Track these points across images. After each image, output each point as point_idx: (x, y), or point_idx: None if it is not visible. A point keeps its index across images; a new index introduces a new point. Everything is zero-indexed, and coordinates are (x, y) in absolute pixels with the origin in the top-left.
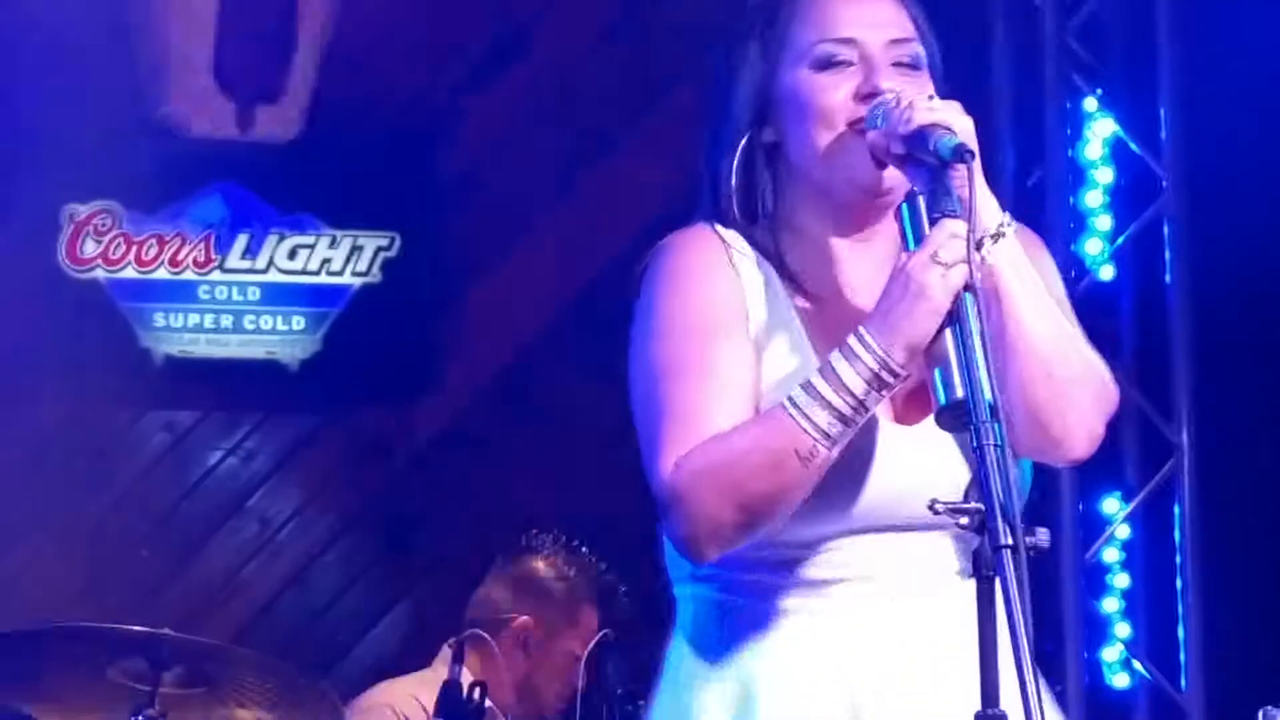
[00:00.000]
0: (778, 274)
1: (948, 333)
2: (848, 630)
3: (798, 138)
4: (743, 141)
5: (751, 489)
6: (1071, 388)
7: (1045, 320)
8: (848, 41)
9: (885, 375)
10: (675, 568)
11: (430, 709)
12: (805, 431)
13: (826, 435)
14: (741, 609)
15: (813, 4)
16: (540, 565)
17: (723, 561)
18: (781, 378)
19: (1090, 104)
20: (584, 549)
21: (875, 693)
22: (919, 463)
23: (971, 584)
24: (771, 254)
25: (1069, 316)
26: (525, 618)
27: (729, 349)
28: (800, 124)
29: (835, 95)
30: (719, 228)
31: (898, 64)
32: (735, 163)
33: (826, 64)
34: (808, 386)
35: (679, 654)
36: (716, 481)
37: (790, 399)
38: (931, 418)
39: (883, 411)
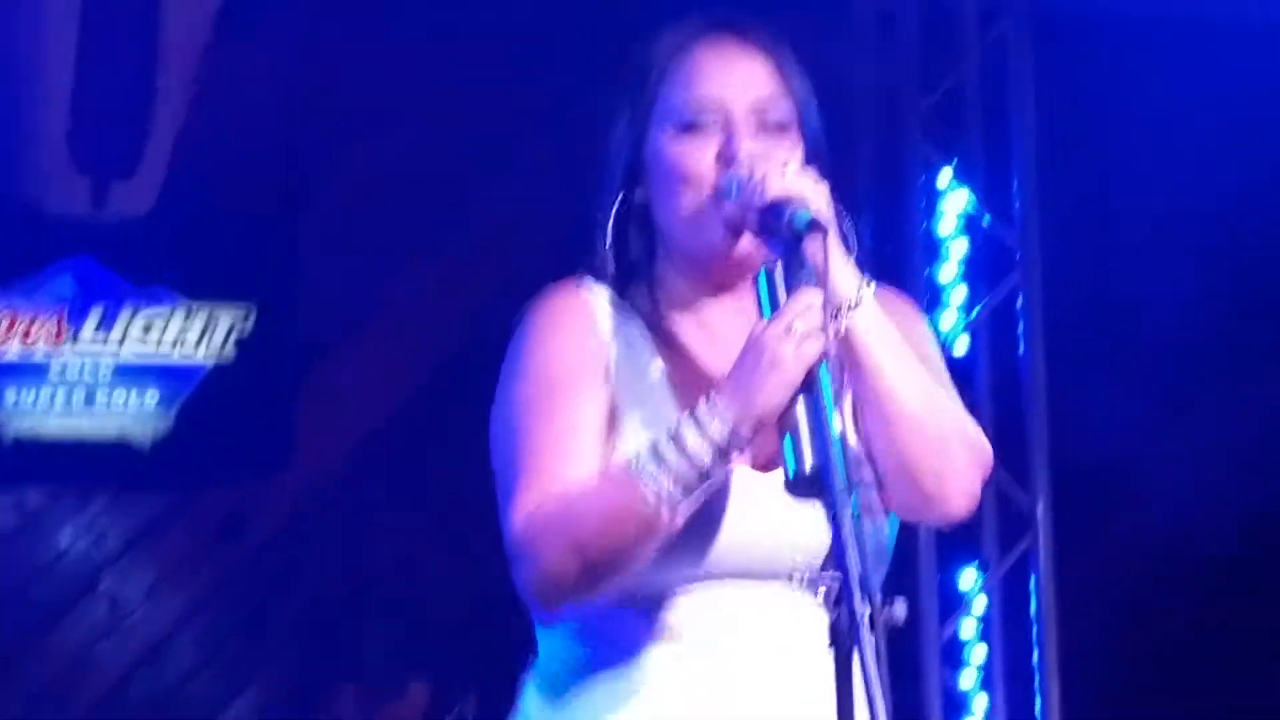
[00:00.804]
0: (646, 337)
1: (800, 402)
2: (701, 680)
3: (662, 201)
4: (616, 203)
5: (594, 547)
6: (945, 447)
7: (912, 383)
8: (711, 103)
9: (729, 445)
10: (535, 613)
11: None
12: (647, 493)
13: (668, 499)
14: (594, 655)
15: (680, 64)
16: None
17: (580, 611)
18: (643, 436)
19: (945, 177)
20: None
21: None
22: (777, 511)
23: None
24: (642, 312)
25: (942, 377)
26: None
27: (584, 403)
28: (664, 187)
29: (698, 160)
30: (589, 284)
31: (763, 126)
32: (610, 223)
33: (689, 126)
34: (654, 449)
35: (531, 700)
36: (561, 536)
37: (635, 459)
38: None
39: (743, 457)
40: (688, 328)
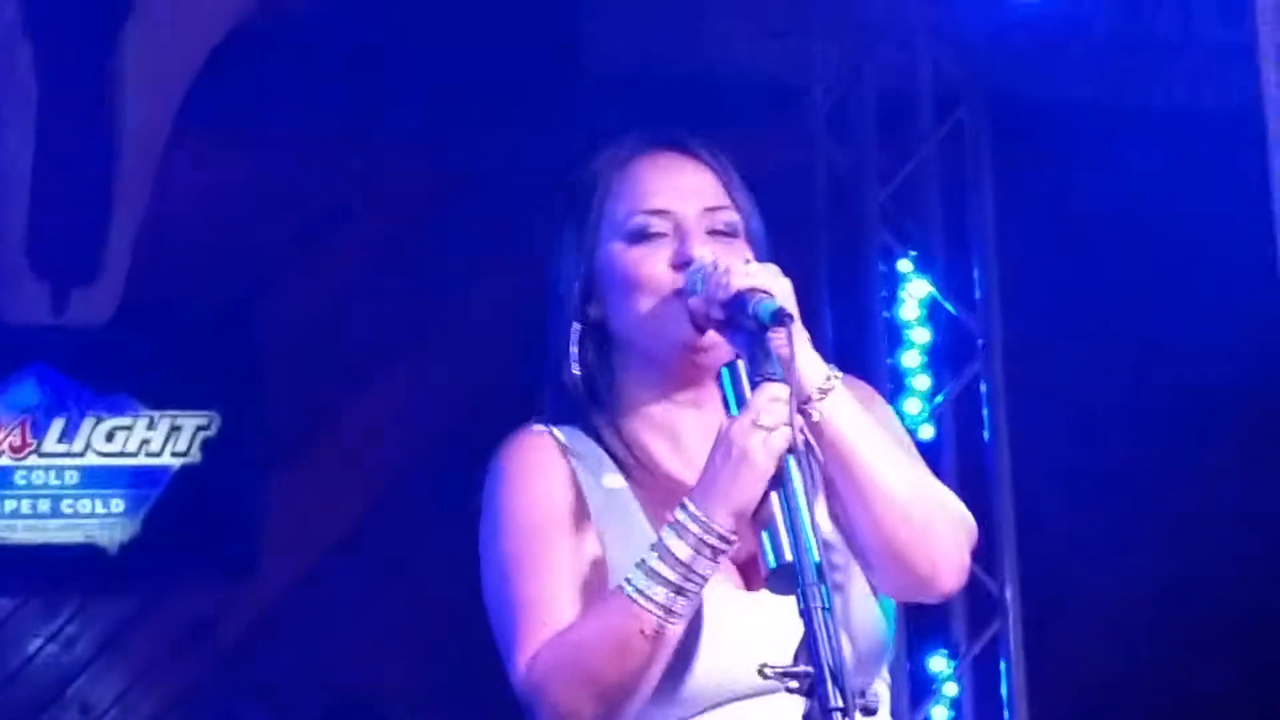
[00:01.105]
0: (614, 462)
1: (773, 496)
2: None
3: (619, 309)
4: (576, 327)
5: (605, 676)
6: (932, 527)
7: (893, 466)
8: (661, 213)
9: (713, 541)
10: None
11: None
12: (647, 610)
13: (668, 610)
14: None
15: (624, 178)
16: None
17: None
18: (627, 564)
19: (905, 265)
20: None
21: None
22: (763, 628)
23: None
24: (607, 441)
25: (914, 457)
26: None
27: (568, 543)
28: (620, 296)
29: (652, 267)
30: (551, 428)
31: (712, 231)
32: (573, 348)
33: (640, 236)
34: (642, 565)
35: None
36: (570, 674)
37: (627, 580)
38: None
39: (729, 578)
40: (654, 441)
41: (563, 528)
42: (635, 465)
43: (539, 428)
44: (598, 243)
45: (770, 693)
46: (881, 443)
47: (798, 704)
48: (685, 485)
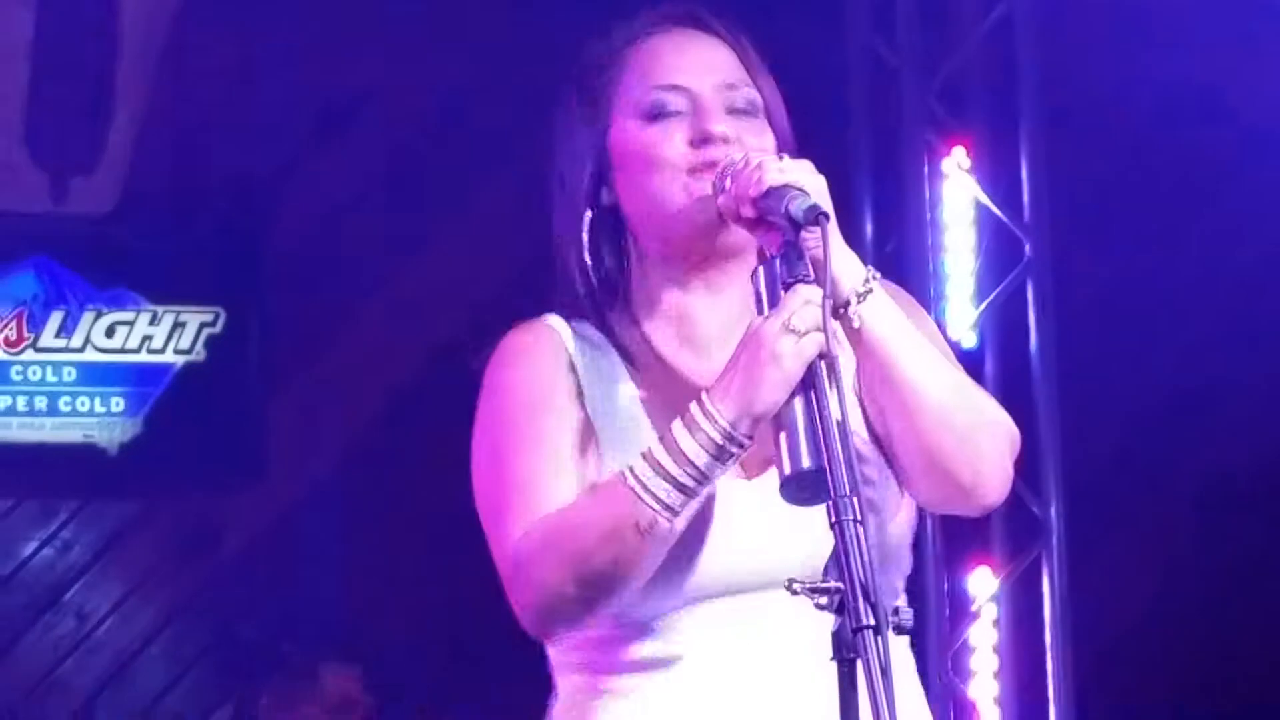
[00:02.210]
0: (623, 355)
1: (798, 401)
2: (704, 701)
3: (635, 191)
4: (588, 214)
5: (593, 562)
6: (974, 434)
7: (934, 372)
8: (677, 89)
9: (729, 446)
10: (554, 652)
11: None
12: (644, 503)
13: (667, 507)
14: (593, 683)
15: (638, 55)
16: None
17: (581, 640)
18: (619, 459)
19: (950, 166)
20: None
21: None
22: (767, 520)
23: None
24: (618, 333)
25: (956, 365)
26: None
27: (560, 424)
28: (636, 177)
29: (669, 145)
30: (553, 319)
31: (732, 109)
32: (584, 234)
33: (657, 114)
34: (648, 456)
35: None
36: (558, 554)
37: (630, 469)
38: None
39: (737, 468)
40: (667, 331)
41: (552, 406)
42: (645, 358)
43: (542, 320)
44: (610, 123)
45: (769, 588)
46: (922, 348)
47: (796, 601)
48: (695, 379)
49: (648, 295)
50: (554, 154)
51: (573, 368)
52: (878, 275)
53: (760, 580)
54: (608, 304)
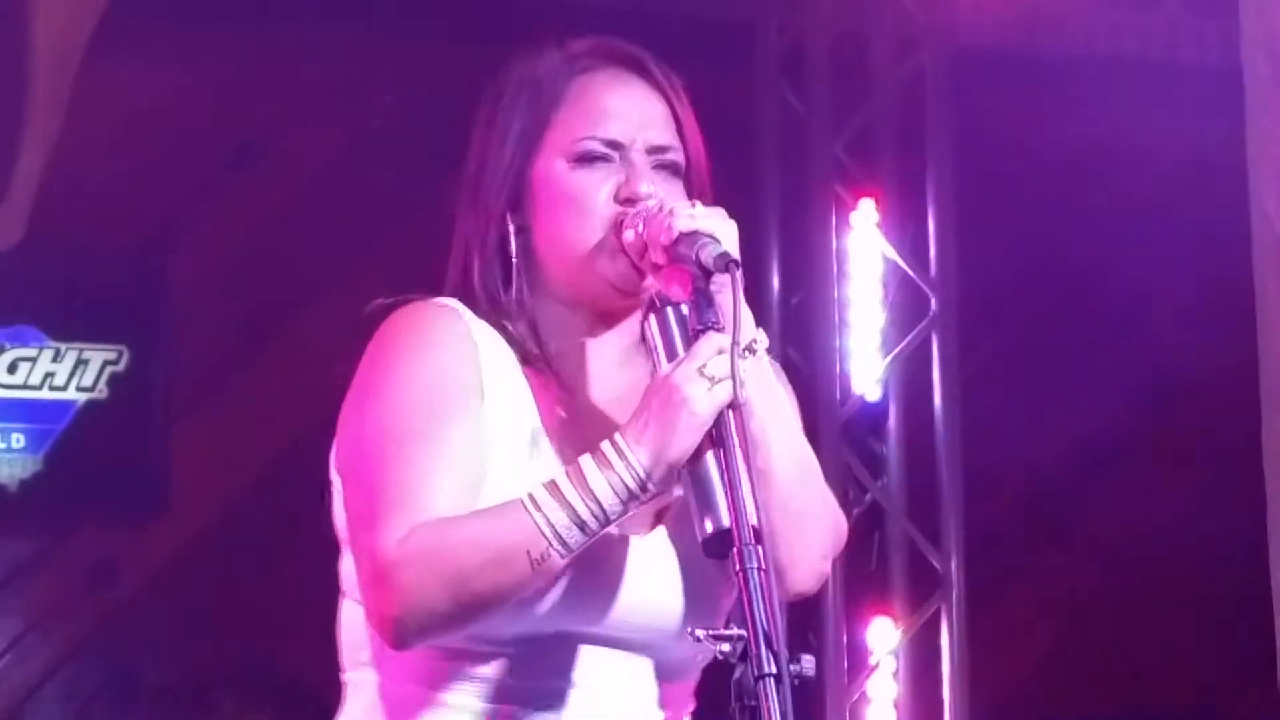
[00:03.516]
0: (519, 359)
1: (710, 454)
2: None
3: (552, 230)
4: (495, 229)
5: (473, 584)
6: (804, 521)
7: (790, 447)
8: (613, 143)
9: (635, 487)
10: (355, 651)
11: None
12: (542, 534)
13: (564, 542)
14: (433, 700)
15: (578, 92)
16: None
17: (423, 651)
18: (511, 467)
19: (858, 219)
20: None
21: None
22: (644, 575)
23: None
24: (514, 338)
25: (809, 450)
26: None
27: (461, 426)
28: (556, 216)
29: (596, 195)
30: (457, 303)
31: (660, 167)
32: (489, 244)
33: (587, 160)
34: (551, 487)
35: None
36: (438, 568)
37: (531, 497)
38: (661, 530)
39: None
40: (562, 357)
41: (456, 406)
42: (541, 371)
43: (448, 302)
44: (539, 151)
45: (630, 647)
46: (786, 421)
47: (644, 668)
48: (586, 401)
49: (543, 315)
50: (469, 158)
51: (476, 359)
52: (765, 339)
53: (629, 631)
54: (505, 312)
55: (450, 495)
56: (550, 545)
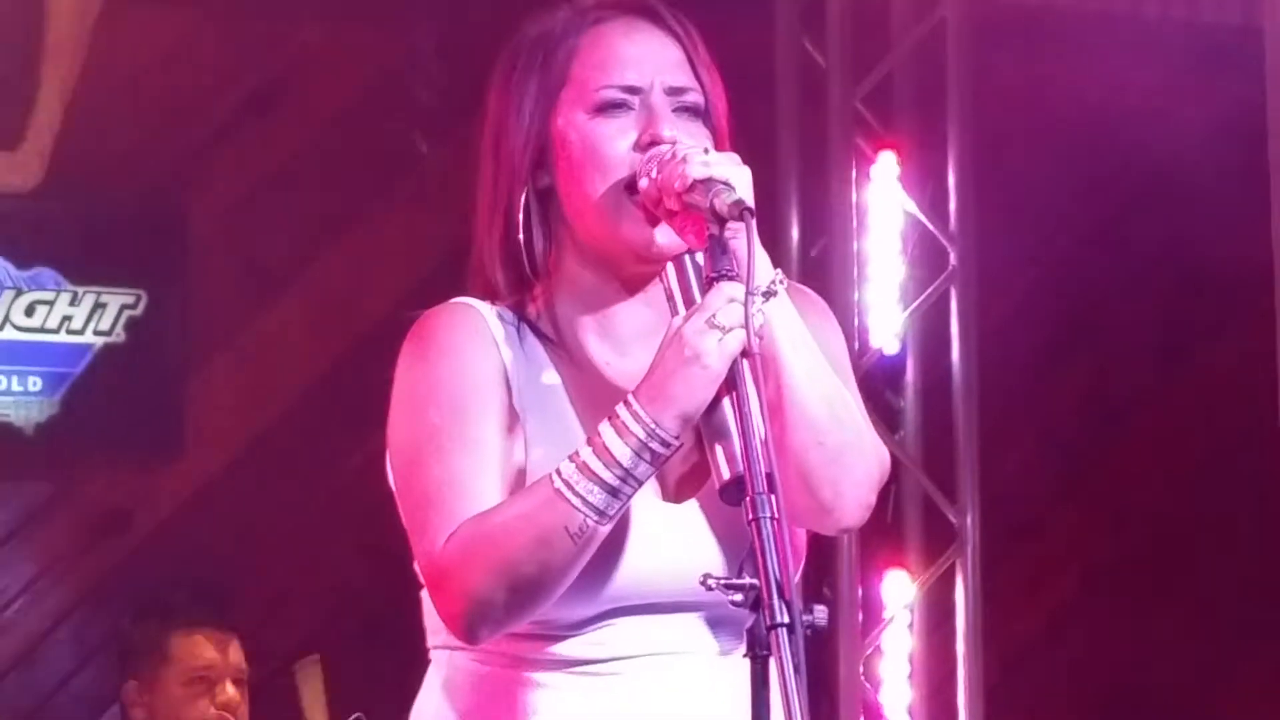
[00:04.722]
0: (544, 342)
1: (725, 402)
2: (616, 711)
3: (572, 185)
4: (523, 192)
5: (522, 567)
6: (843, 455)
7: (817, 384)
8: (631, 89)
9: (656, 446)
10: (435, 632)
11: None
12: (574, 507)
13: (597, 510)
14: (506, 685)
15: (592, 42)
16: None
17: (504, 637)
18: (548, 451)
19: (878, 172)
20: None
21: None
22: (684, 542)
23: (738, 664)
24: (539, 322)
25: (849, 382)
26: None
27: (492, 423)
28: (576, 170)
29: (616, 144)
30: (475, 300)
31: (679, 109)
32: (519, 213)
33: (607, 109)
34: (575, 459)
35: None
36: (486, 560)
37: (558, 473)
38: (695, 500)
39: (650, 489)
40: (588, 327)
41: (482, 405)
42: (565, 347)
43: (465, 301)
44: (557, 106)
45: (683, 609)
46: (813, 357)
47: (701, 628)
48: (614, 375)
49: (572, 284)
50: (487, 127)
51: (499, 354)
52: (784, 280)
53: (674, 602)
54: (529, 288)
55: (490, 490)
56: (586, 517)
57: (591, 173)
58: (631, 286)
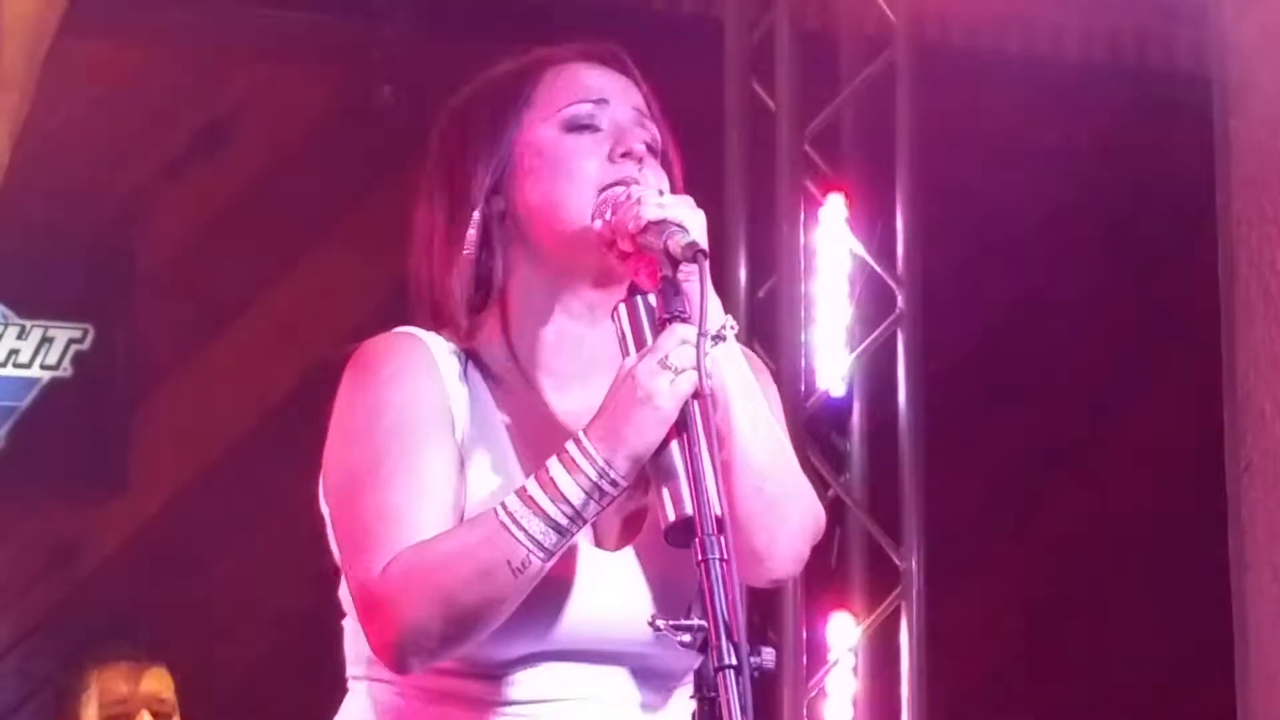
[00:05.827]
0: (488, 383)
1: (674, 444)
2: None
3: (538, 196)
4: (476, 214)
5: (461, 599)
6: (781, 504)
7: (759, 434)
8: (601, 103)
9: (606, 485)
10: (357, 661)
11: None
12: (518, 541)
13: (540, 545)
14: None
15: (556, 73)
16: None
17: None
18: (489, 489)
19: (826, 214)
20: None
21: None
22: (617, 591)
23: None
24: (486, 353)
25: (784, 435)
26: None
27: (432, 451)
28: (543, 182)
29: (587, 160)
30: (423, 333)
31: (643, 140)
32: (479, 236)
33: (578, 125)
34: (522, 494)
35: None
36: (425, 590)
37: (503, 506)
38: (630, 548)
39: (584, 534)
40: (537, 365)
41: (425, 433)
42: (509, 381)
43: (410, 331)
44: (519, 128)
45: (609, 660)
46: (756, 407)
47: (627, 680)
48: (562, 416)
49: (524, 310)
50: (436, 157)
51: (444, 386)
52: (734, 325)
53: (607, 645)
54: (479, 315)
55: (429, 520)
56: (530, 552)
57: (561, 183)
58: (589, 308)
